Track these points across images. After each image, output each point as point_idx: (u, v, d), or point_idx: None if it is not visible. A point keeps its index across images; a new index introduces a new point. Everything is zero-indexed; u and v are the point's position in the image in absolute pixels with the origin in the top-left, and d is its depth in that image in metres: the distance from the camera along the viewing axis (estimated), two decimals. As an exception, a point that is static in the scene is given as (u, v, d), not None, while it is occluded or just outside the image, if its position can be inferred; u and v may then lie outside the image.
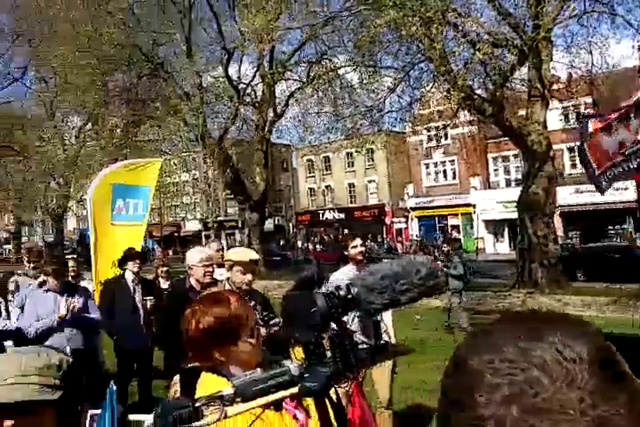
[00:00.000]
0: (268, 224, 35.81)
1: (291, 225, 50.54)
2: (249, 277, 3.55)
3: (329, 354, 1.08)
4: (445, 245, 12.81)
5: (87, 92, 20.44)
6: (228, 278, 3.64)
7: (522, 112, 17.52)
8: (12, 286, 6.02)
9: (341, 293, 1.08)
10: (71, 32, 19.15)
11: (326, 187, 44.93)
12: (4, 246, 55.56)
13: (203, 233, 44.95)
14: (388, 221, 40.53)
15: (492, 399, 0.50)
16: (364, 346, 1.14)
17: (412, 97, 18.12)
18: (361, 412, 2.23)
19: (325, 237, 44.86)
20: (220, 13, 20.91)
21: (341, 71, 20.66)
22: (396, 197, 39.60)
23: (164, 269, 6.96)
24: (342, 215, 42.88)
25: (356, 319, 1.14)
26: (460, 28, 13.27)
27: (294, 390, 1.03)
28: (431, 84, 17.17)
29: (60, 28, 20.36)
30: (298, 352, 1.12)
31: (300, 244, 44.09)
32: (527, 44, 12.91)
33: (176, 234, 50.67)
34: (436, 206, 36.53)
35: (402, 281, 1.07)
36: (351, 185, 43.03)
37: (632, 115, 6.86)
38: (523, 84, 16.49)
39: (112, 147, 22.56)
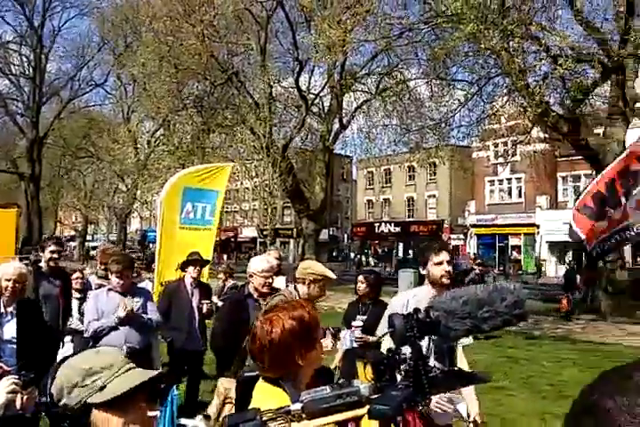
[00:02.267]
0: (323, 234, 35.91)
1: (346, 236, 50.52)
2: (324, 292, 3.69)
3: (399, 377, 1.04)
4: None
5: (163, 99, 21.21)
6: (295, 289, 3.68)
7: (599, 130, 16.92)
8: (75, 284, 5.94)
9: (420, 316, 1.05)
10: (153, 42, 20.00)
11: (385, 200, 44.73)
12: (70, 243, 58.13)
13: (258, 240, 45.62)
14: (445, 237, 39.80)
15: None
16: (437, 371, 1.09)
17: (484, 111, 17.83)
18: None
19: (379, 250, 44.61)
20: (296, 25, 21.34)
21: (411, 84, 20.62)
22: (456, 214, 38.92)
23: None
24: (398, 229, 42.51)
25: (432, 344, 1.13)
26: (543, 41, 12.98)
27: (363, 411, 1.01)
28: (505, 99, 16.85)
29: (143, 38, 21.31)
30: (367, 373, 1.10)
31: (352, 255, 44.02)
32: (613, 61, 12.47)
33: (232, 239, 51.62)
34: (497, 225, 35.62)
35: (485, 308, 1.03)
36: (410, 199, 42.66)
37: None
38: (603, 102, 15.92)
39: (181, 152, 23.25)
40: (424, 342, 1.07)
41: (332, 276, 3.70)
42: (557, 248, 32.44)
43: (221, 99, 22.45)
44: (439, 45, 14.75)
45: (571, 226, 5.11)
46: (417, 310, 1.05)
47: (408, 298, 2.99)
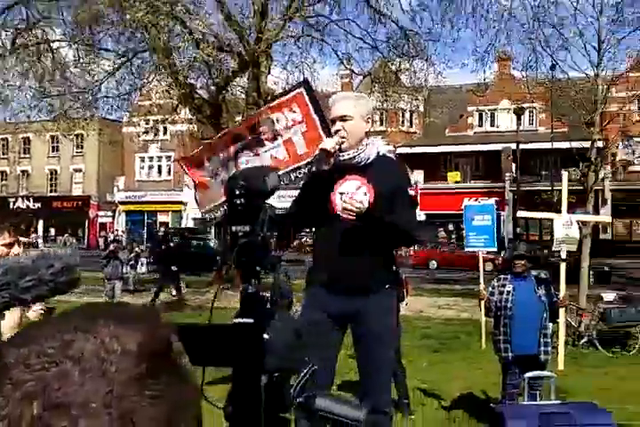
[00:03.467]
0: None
1: (-30, 212, 43.26)
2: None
3: None
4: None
5: None
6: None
7: (239, 118, 18.56)
8: None
9: None
10: None
11: (22, 172, 40.06)
12: None
13: None
14: (92, 214, 38.09)
15: (12, 397, 0.44)
16: None
17: (133, 86, 17.48)
18: None
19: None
20: None
21: (55, 45, 18.66)
22: (105, 190, 37.54)
23: None
24: (39, 205, 38.73)
25: None
26: (188, 24, 13.41)
27: None
28: (153, 76, 16.85)
29: None
30: None
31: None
32: (248, 55, 13.78)
33: None
34: (146, 202, 35.80)
35: (28, 277, 0.96)
36: (53, 172, 39.25)
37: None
38: (241, 92, 17.46)
39: None
40: None
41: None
42: (201, 225, 34.64)
43: None
44: (84, 8, 13.78)
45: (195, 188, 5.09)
46: None
47: None
